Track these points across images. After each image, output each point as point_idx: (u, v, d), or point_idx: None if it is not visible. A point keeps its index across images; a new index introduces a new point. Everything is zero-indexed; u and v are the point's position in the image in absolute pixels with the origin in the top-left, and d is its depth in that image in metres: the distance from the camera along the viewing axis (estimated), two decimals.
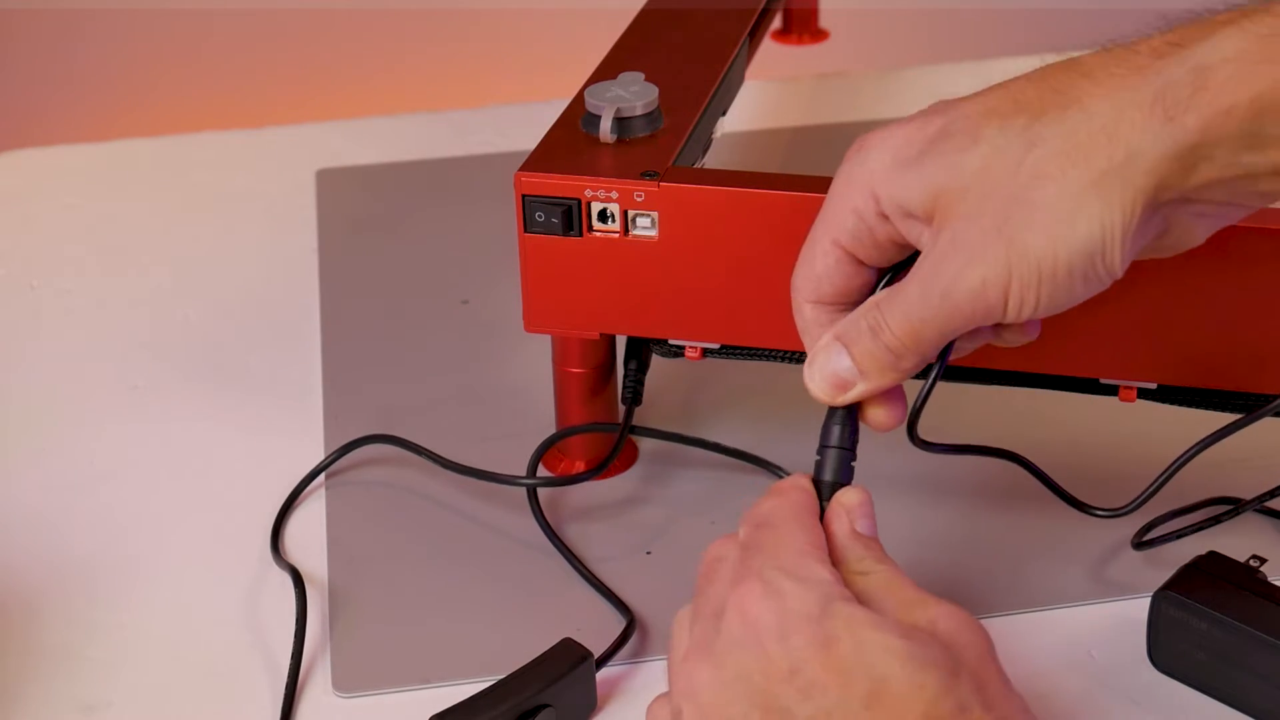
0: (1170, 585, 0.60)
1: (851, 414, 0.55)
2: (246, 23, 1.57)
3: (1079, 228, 0.49)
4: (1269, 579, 0.60)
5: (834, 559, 0.52)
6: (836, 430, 0.55)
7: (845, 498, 0.54)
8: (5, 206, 1.04)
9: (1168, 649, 0.60)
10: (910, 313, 0.52)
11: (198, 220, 1.00)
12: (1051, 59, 1.24)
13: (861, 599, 0.50)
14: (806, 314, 0.56)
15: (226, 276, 0.94)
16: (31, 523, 0.73)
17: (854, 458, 0.55)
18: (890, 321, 0.53)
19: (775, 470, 0.72)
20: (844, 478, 0.55)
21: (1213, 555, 0.61)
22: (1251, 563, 0.60)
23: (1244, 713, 0.59)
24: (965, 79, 1.16)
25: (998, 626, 0.64)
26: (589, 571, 0.67)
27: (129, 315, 0.90)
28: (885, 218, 0.53)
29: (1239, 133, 0.48)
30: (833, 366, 0.55)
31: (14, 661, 0.65)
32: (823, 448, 0.55)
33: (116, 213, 1.02)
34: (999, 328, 0.55)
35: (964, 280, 0.51)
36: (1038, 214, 0.49)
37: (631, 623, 0.64)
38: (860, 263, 0.55)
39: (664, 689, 0.62)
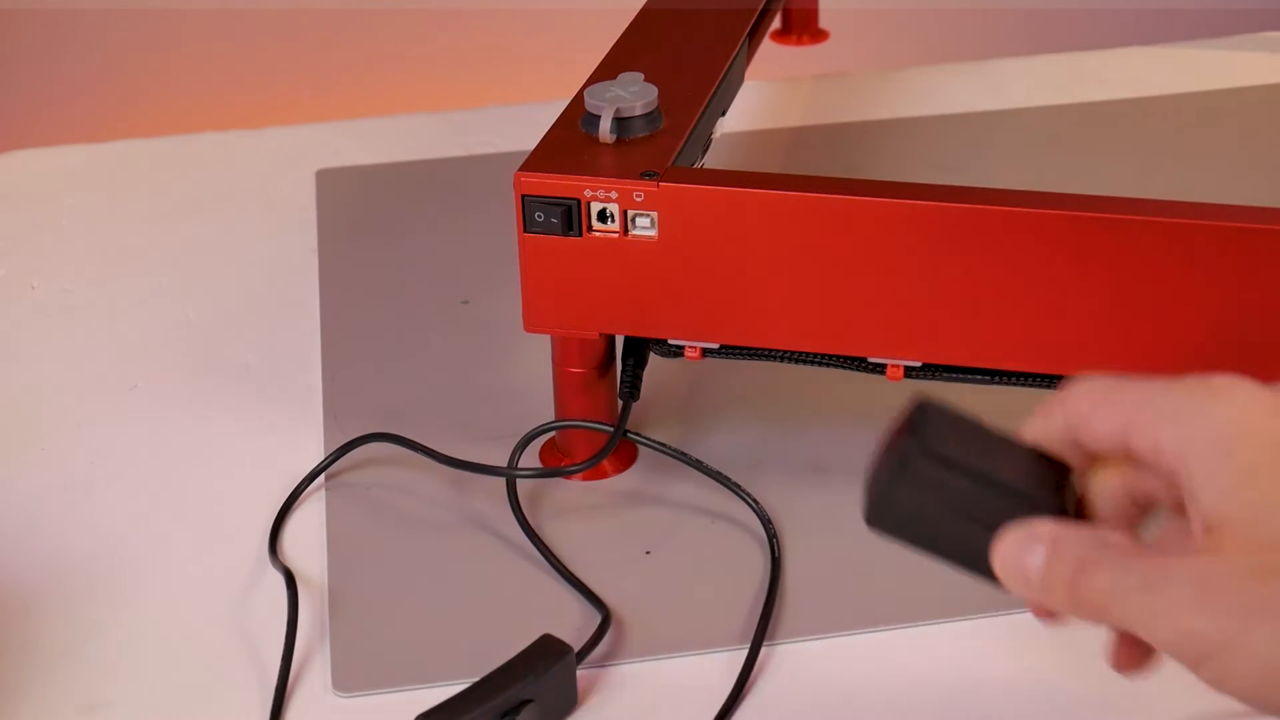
0: (912, 434, 0.50)
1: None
2: (246, 23, 1.57)
3: None
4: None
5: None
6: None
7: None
8: (5, 206, 1.04)
9: (894, 507, 0.51)
10: (1113, 586, 0.46)
11: (198, 220, 1.00)
12: (1051, 59, 1.24)
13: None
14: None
15: (226, 276, 0.94)
16: (31, 522, 0.73)
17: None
18: (1095, 577, 0.47)
19: (749, 501, 0.72)
20: None
21: (924, 404, 0.52)
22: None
23: (961, 564, 0.52)
24: (965, 79, 1.17)
25: (999, 626, 0.65)
26: (566, 570, 0.68)
27: (129, 315, 0.90)
28: (1173, 475, 0.47)
29: None
30: (1026, 567, 0.49)
31: (14, 661, 0.65)
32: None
33: (116, 213, 1.02)
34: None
35: (1181, 614, 0.45)
36: None
37: (607, 618, 0.65)
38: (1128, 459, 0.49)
39: (648, 687, 0.62)
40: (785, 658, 0.64)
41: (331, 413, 0.80)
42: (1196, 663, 0.45)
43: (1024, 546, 0.49)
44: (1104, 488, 0.51)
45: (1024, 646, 0.64)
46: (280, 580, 0.68)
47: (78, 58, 1.56)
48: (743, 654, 0.63)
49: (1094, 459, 0.51)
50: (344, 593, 0.68)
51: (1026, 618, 0.65)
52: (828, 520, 0.71)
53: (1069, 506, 0.51)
